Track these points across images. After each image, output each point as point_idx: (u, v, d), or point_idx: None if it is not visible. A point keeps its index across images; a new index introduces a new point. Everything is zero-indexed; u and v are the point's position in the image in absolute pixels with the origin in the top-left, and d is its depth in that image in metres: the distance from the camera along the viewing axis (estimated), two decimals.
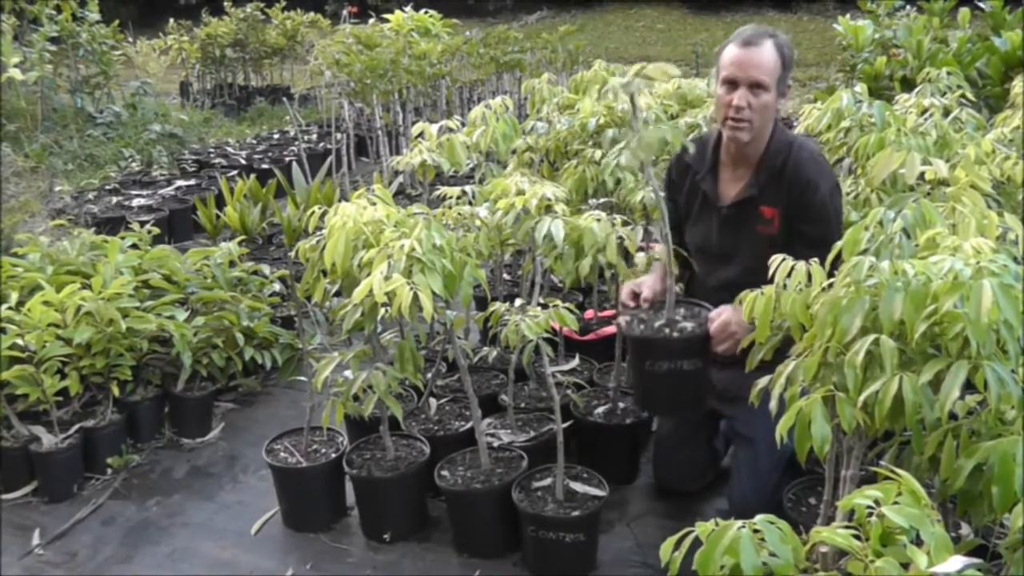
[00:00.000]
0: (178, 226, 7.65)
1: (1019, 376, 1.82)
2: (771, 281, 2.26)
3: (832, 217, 2.93)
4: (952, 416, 1.97)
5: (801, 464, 2.45)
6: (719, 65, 2.99)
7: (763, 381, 2.24)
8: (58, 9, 10.68)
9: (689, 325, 2.92)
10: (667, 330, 2.91)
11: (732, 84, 2.93)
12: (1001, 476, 1.81)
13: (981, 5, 7.03)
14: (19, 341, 3.70)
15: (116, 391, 4.05)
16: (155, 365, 4.29)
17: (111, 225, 7.11)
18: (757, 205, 3.02)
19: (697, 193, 3.21)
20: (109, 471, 3.95)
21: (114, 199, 8.17)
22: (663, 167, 3.67)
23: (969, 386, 1.84)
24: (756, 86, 2.91)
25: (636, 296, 3.12)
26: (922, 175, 3.00)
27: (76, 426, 3.90)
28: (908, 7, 7.51)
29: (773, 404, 2.14)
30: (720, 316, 2.87)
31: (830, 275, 2.15)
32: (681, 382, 2.90)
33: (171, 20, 14.80)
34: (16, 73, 9.59)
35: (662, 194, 3.55)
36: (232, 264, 4.82)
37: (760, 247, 2.96)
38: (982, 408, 2.00)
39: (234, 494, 3.80)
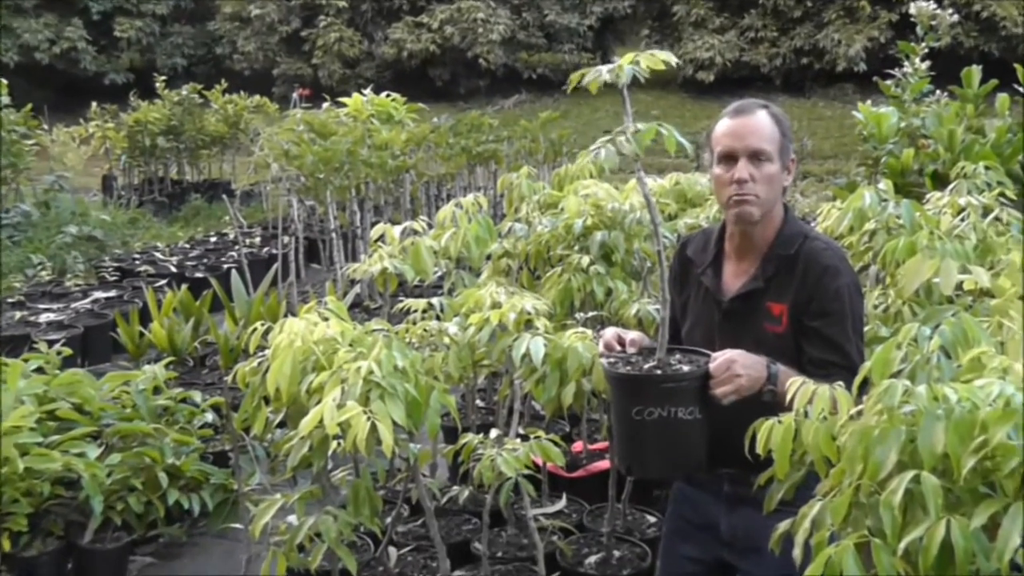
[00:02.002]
0: (94, 346, 7.61)
1: None
2: (790, 407, 2.26)
3: (849, 315, 2.93)
4: (1015, 567, 1.95)
5: None
6: (712, 143, 3.05)
7: (784, 525, 2.22)
8: None
9: (686, 367, 2.88)
10: (658, 372, 2.84)
11: (730, 158, 2.99)
12: None
13: (1022, 90, 7.23)
14: None
15: (7, 545, 3.95)
16: (58, 512, 4.21)
17: (12, 345, 7.04)
18: (763, 300, 3.03)
19: (698, 288, 3.23)
20: None
21: (17, 314, 8.13)
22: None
23: None
24: (757, 155, 2.96)
25: (622, 341, 3.09)
26: (960, 285, 3.03)
27: None
28: (938, 92, 7.70)
29: (797, 552, 2.11)
30: (725, 354, 2.83)
31: (857, 399, 2.15)
32: (675, 434, 2.79)
33: (94, 104, 14.98)
34: None
35: (655, 307, 3.57)
36: (157, 391, 4.78)
37: (767, 348, 2.96)
38: None
39: None
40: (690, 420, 2.79)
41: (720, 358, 2.81)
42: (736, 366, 2.78)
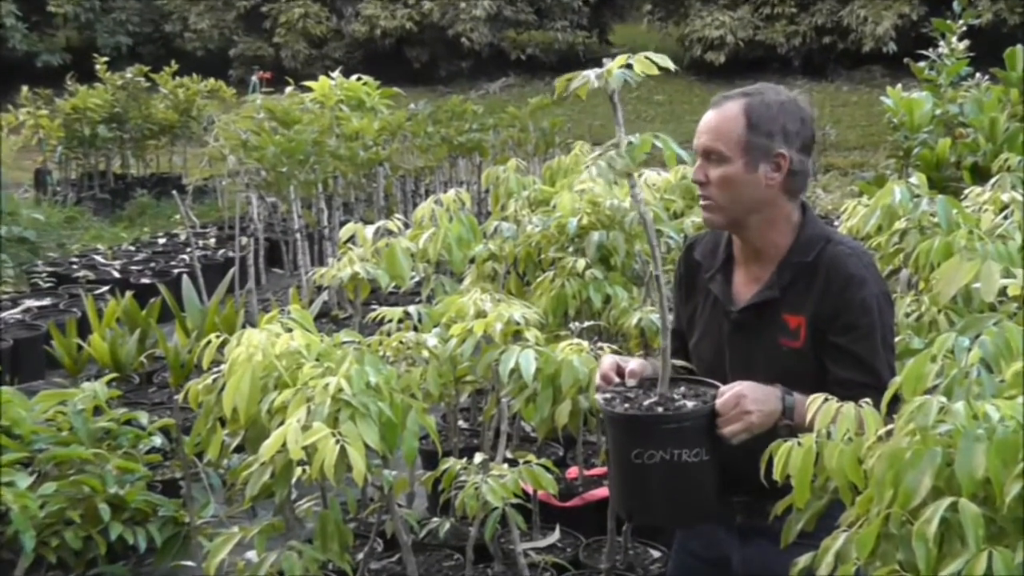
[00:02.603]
0: (25, 361, 7.59)
1: None
2: (810, 428, 2.26)
3: (878, 328, 2.94)
4: None
5: None
6: None
7: (804, 559, 2.23)
8: None
9: (690, 404, 2.87)
10: (660, 409, 2.84)
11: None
12: None
13: None
14: None
15: None
16: None
17: None
18: (778, 311, 3.03)
19: (706, 297, 3.23)
20: None
21: None
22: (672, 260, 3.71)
23: None
24: (707, 155, 2.99)
25: (620, 372, 3.09)
26: (1003, 290, 3.04)
27: None
28: (978, 75, 7.72)
29: None
30: (733, 388, 2.83)
31: (887, 418, 2.15)
32: (680, 478, 2.79)
33: (24, 89, 14.91)
34: None
35: (656, 316, 3.58)
36: (98, 411, 4.76)
37: (783, 365, 2.97)
38: None
39: None
40: (696, 463, 2.77)
41: (727, 393, 2.80)
42: (746, 401, 2.77)
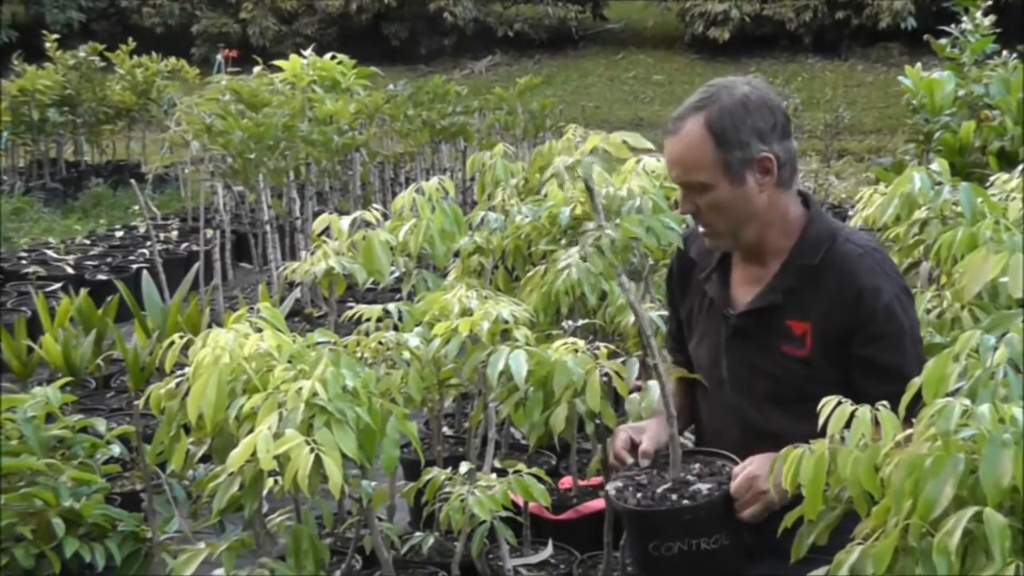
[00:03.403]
0: None
1: None
2: (822, 433, 2.27)
3: (906, 331, 2.95)
4: None
5: None
6: None
7: (817, 575, 2.23)
8: None
9: (705, 487, 2.91)
10: (674, 496, 2.90)
11: None
12: None
13: None
14: None
15: None
16: None
17: None
18: (781, 317, 3.04)
19: (702, 298, 3.25)
20: None
21: None
22: (662, 272, 3.72)
23: None
24: (688, 187, 3.01)
25: (635, 446, 3.12)
26: None
27: None
28: (1004, 53, 7.72)
29: None
30: (745, 469, 2.87)
31: (906, 423, 2.16)
32: (701, 567, 2.88)
33: None
34: None
35: (656, 314, 3.59)
36: (50, 418, 4.76)
37: (787, 373, 2.98)
38: None
39: None
40: (716, 549, 2.86)
41: (739, 476, 2.86)
42: (759, 482, 2.82)
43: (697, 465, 3.03)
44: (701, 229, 3.07)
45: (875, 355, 2.93)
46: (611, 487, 3.02)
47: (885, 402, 2.23)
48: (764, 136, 2.96)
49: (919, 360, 2.79)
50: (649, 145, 2.94)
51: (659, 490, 2.94)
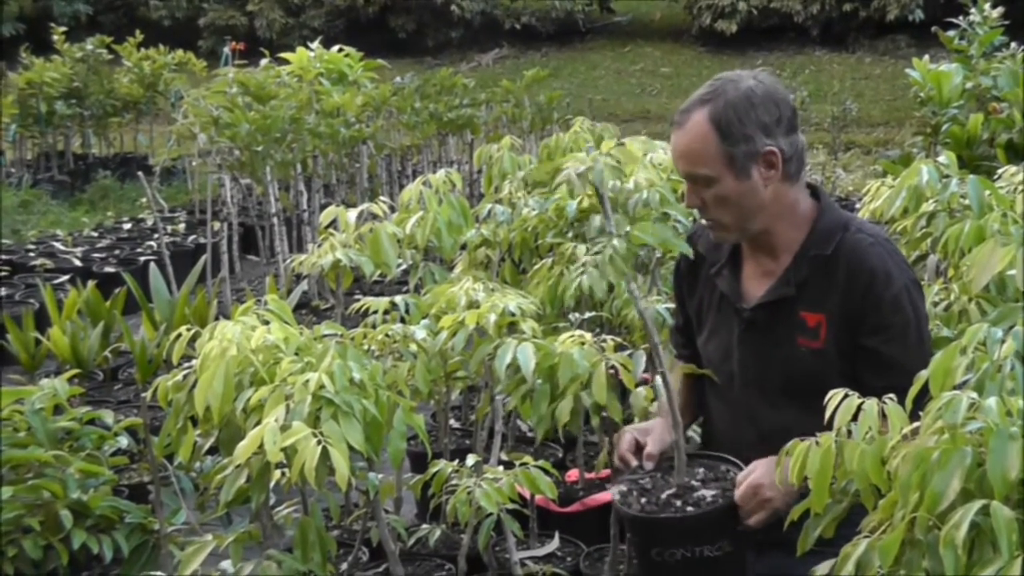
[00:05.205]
0: None
1: None
2: (829, 426, 2.27)
3: (912, 323, 2.95)
4: None
5: None
6: None
7: (823, 568, 2.23)
8: None
9: (709, 493, 2.92)
10: (678, 502, 2.91)
11: None
12: None
13: None
14: None
15: None
16: None
17: None
18: (795, 308, 3.04)
19: (712, 293, 3.25)
20: None
21: None
22: (670, 264, 3.72)
23: None
24: (694, 180, 3.01)
25: (639, 448, 3.13)
26: None
27: None
28: (1013, 45, 7.70)
29: None
30: (748, 476, 2.87)
31: (913, 416, 2.16)
32: (704, 574, 2.89)
33: None
34: None
35: (663, 306, 3.59)
36: (58, 410, 4.77)
37: (801, 367, 2.98)
38: None
39: None
40: (719, 556, 2.87)
41: (743, 485, 2.87)
42: (763, 490, 2.83)
43: (701, 470, 3.03)
44: (706, 222, 3.07)
45: (879, 347, 2.93)
46: (615, 491, 3.03)
47: (892, 395, 2.23)
48: (769, 130, 2.96)
49: (923, 355, 2.80)
50: (659, 145, 2.95)
51: (663, 496, 2.95)
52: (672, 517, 2.88)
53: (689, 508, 2.88)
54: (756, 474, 2.85)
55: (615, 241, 3.03)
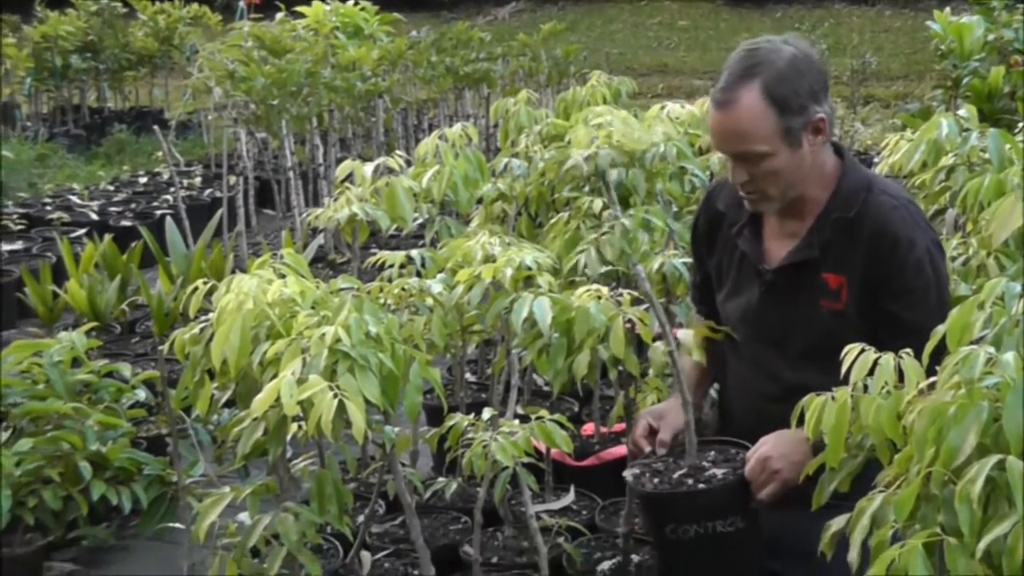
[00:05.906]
0: None
1: None
2: (845, 380, 2.27)
3: (933, 286, 2.94)
4: None
5: None
6: None
7: (837, 523, 2.24)
8: None
9: (720, 472, 2.95)
10: (690, 480, 2.94)
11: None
12: None
13: None
14: None
15: None
16: None
17: None
18: (818, 270, 3.03)
19: (732, 253, 3.23)
20: None
21: None
22: (687, 219, 3.71)
23: None
24: (745, 157, 2.95)
25: (653, 433, 3.15)
26: None
27: None
28: None
29: (853, 554, 2.13)
30: (757, 451, 2.89)
31: (930, 371, 2.16)
32: (718, 550, 2.93)
33: None
34: None
35: (680, 261, 3.58)
36: (76, 363, 4.79)
37: (823, 328, 2.98)
38: None
39: None
40: (732, 532, 2.90)
41: (752, 459, 2.89)
42: (771, 462, 2.85)
43: (712, 453, 3.07)
44: (747, 194, 3.03)
45: (900, 311, 2.92)
46: (628, 473, 3.07)
47: (908, 350, 2.22)
48: (817, 97, 2.94)
49: (943, 317, 2.80)
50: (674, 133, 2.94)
51: (675, 475, 2.98)
52: (684, 492, 2.92)
53: (701, 485, 2.91)
54: (764, 448, 2.88)
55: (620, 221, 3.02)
